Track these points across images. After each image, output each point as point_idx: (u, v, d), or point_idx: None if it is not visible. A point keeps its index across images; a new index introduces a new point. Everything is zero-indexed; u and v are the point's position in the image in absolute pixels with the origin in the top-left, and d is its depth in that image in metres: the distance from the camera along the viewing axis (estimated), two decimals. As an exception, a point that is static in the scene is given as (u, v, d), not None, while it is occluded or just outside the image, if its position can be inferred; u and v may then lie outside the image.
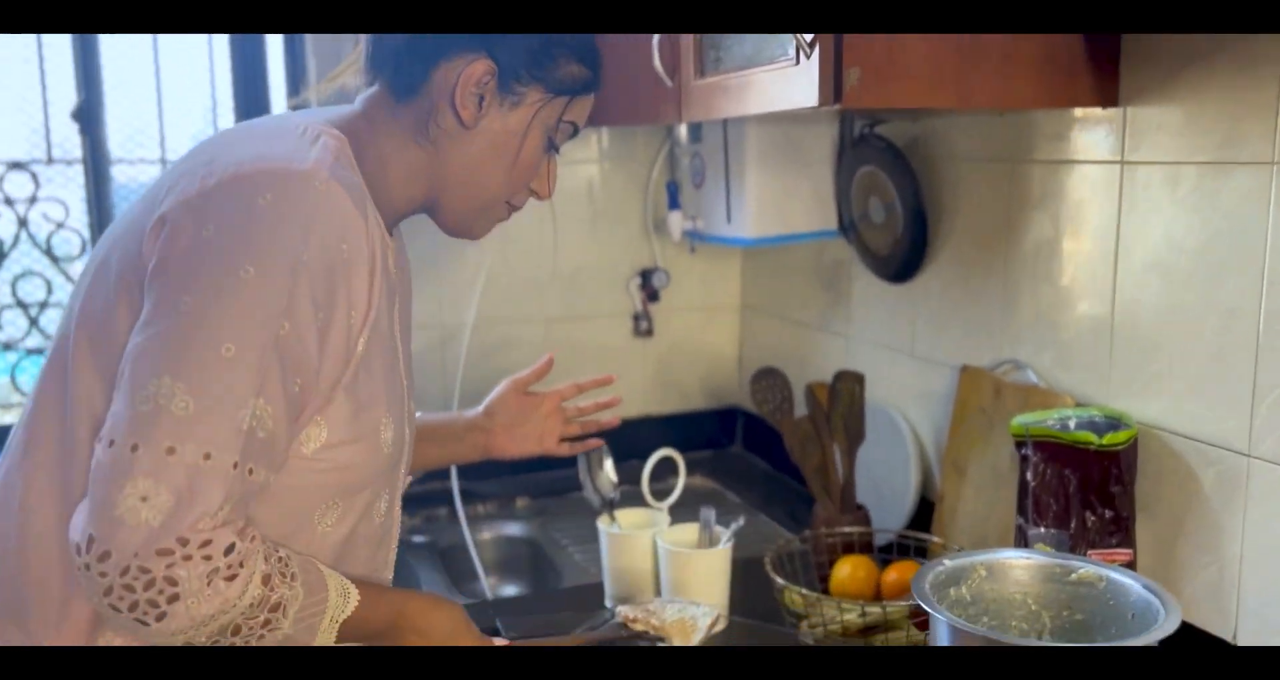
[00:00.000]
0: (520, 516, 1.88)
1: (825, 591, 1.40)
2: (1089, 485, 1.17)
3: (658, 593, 1.39)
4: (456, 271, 1.93)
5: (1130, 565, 1.18)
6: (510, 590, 1.78)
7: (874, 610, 1.21)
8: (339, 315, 0.86)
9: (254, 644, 0.84)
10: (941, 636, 0.92)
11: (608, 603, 1.43)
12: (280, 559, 0.85)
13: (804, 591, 1.25)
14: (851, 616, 1.22)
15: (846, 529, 1.44)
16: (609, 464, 1.46)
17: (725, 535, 1.37)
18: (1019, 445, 1.23)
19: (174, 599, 0.79)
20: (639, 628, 1.16)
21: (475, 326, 1.91)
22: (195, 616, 0.80)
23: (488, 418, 1.31)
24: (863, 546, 1.45)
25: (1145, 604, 0.93)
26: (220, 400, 0.80)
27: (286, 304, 0.82)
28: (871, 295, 1.71)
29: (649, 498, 1.44)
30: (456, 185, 0.98)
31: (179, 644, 0.82)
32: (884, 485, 1.62)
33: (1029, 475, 1.21)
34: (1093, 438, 1.16)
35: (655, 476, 1.49)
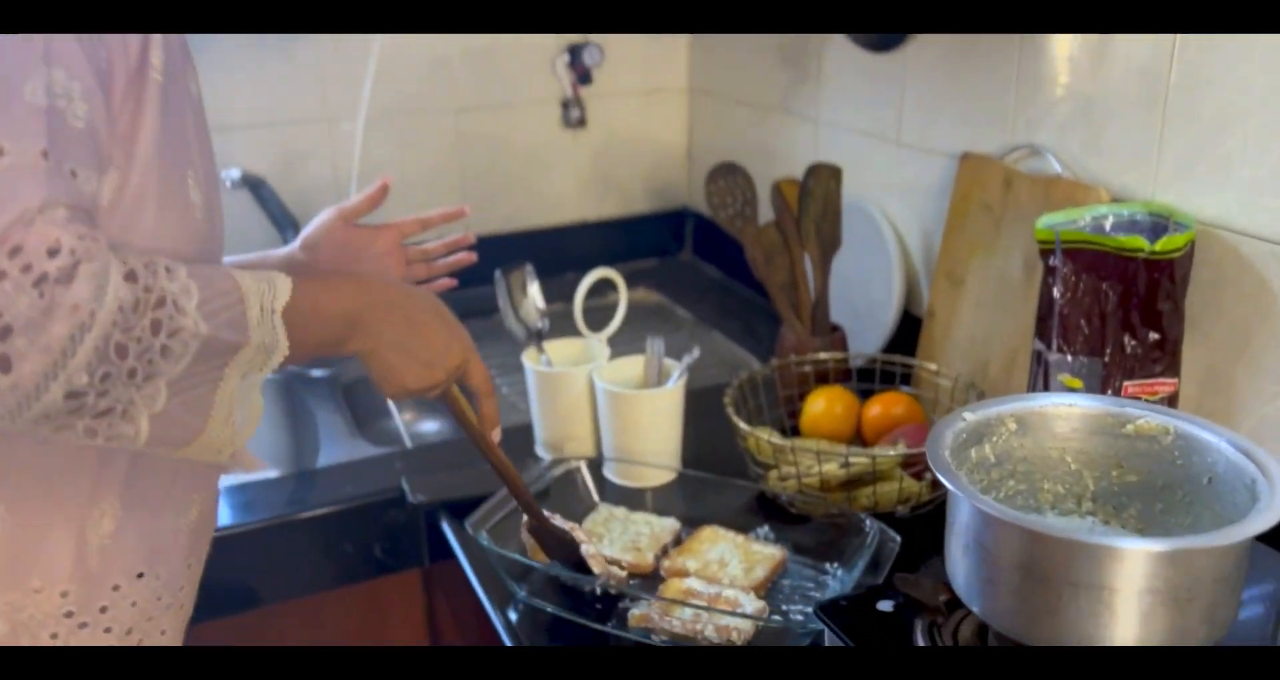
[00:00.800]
0: (439, 343, 1.62)
1: (796, 429, 1.19)
2: (1131, 302, 0.94)
3: (597, 438, 1.17)
4: (340, 51, 1.58)
5: (1173, 398, 0.97)
6: (428, 429, 1.55)
7: (860, 461, 0.99)
8: None
9: (159, 363, 0.61)
10: (961, 516, 0.70)
11: (539, 450, 1.20)
12: (142, 259, 0.62)
13: (774, 440, 1.02)
14: (832, 467, 1.00)
15: (820, 355, 1.20)
16: (535, 289, 1.20)
17: (676, 370, 1.12)
18: (1045, 253, 0.98)
19: (6, 334, 0.55)
20: (560, 523, 0.94)
21: (369, 120, 1.58)
22: (48, 346, 0.57)
23: (307, 252, 1.02)
24: (839, 374, 1.22)
25: (1231, 468, 0.70)
26: None
27: None
28: (847, 69, 1.40)
29: (583, 327, 1.18)
30: None
31: (59, 400, 0.58)
32: (861, 300, 1.38)
33: (1056, 291, 0.97)
34: (1144, 244, 0.91)
35: (593, 297, 1.23)
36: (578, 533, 0.91)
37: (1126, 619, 0.63)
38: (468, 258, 1.10)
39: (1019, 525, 0.64)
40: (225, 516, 1.10)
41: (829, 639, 0.79)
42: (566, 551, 0.93)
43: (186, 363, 0.62)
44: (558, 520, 0.94)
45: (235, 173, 1.47)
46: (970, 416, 0.76)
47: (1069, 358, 0.97)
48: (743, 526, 1.01)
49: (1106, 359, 0.95)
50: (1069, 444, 0.79)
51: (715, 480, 1.05)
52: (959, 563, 0.70)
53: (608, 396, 1.10)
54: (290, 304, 0.68)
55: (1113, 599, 0.62)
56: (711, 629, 0.84)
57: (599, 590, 0.89)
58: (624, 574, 0.93)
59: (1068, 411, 0.78)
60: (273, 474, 1.47)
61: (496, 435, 0.87)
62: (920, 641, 0.74)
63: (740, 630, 0.85)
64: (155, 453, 0.67)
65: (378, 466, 1.21)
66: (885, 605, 0.78)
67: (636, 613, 0.87)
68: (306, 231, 1.05)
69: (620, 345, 1.36)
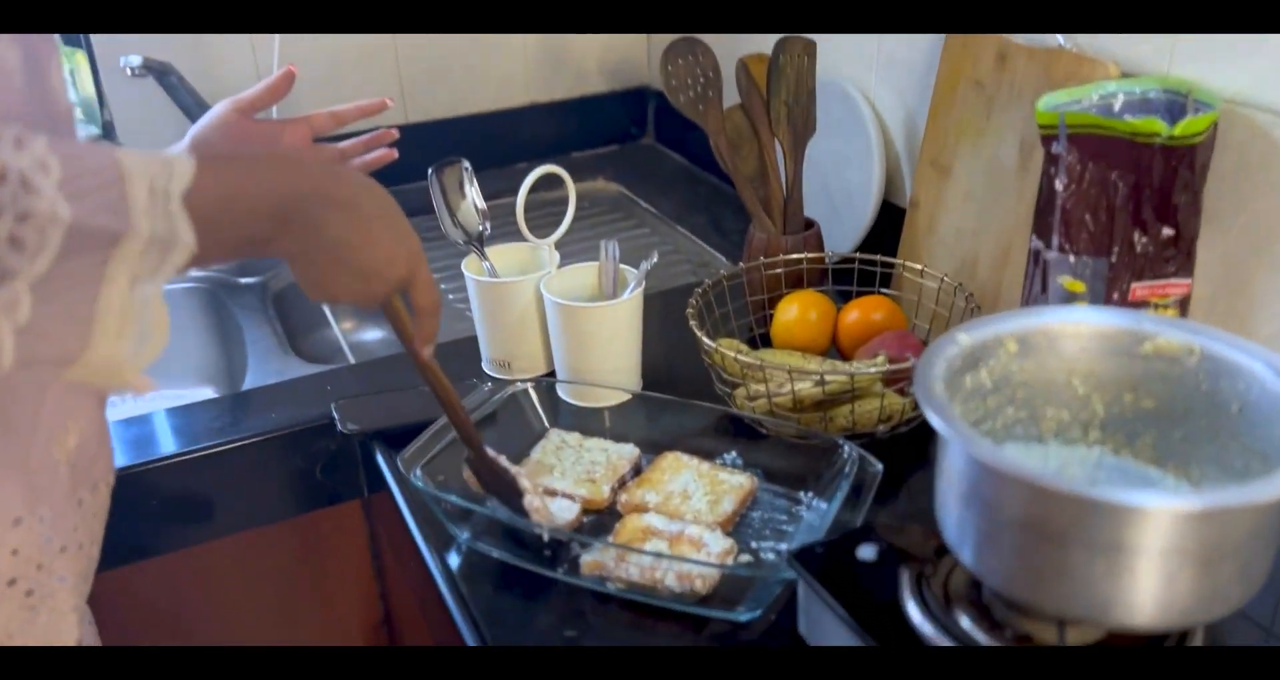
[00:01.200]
0: (380, 244, 1.49)
1: (766, 338, 1.08)
2: (1144, 194, 0.82)
3: (549, 353, 1.06)
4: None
5: (1185, 300, 0.87)
6: (372, 338, 1.44)
7: (838, 378, 0.89)
8: None
9: (9, 258, 0.49)
10: (955, 463, 0.60)
11: (485, 367, 1.09)
12: None
13: (741, 357, 0.92)
14: (806, 386, 0.90)
15: (793, 256, 1.09)
16: (474, 190, 1.06)
17: (634, 279, 1.01)
18: (1047, 139, 0.86)
19: None
20: (506, 464, 0.84)
21: (288, -5, 1.41)
22: None
23: (197, 152, 0.89)
24: (813, 276, 1.11)
25: (1266, 396, 0.61)
26: None
27: None
28: (821, -73, 1.24)
29: (527, 233, 1.06)
30: None
31: None
32: (837, 191, 1.26)
33: (1059, 182, 0.85)
34: (1161, 128, 0.79)
35: (543, 189, 1.10)
36: (522, 480, 0.81)
37: (1148, 581, 0.54)
38: (388, 155, 0.97)
39: (1027, 480, 0.54)
40: (149, 448, 1.00)
41: (803, 590, 0.70)
42: (509, 490, 0.83)
43: (49, 258, 0.50)
44: (503, 462, 0.84)
45: (136, 59, 1.31)
46: (965, 339, 0.66)
47: (1071, 257, 0.86)
48: (708, 451, 0.92)
49: (1113, 259, 0.85)
50: (1076, 366, 0.69)
51: (676, 405, 0.95)
52: (951, 513, 0.61)
53: (557, 310, 0.99)
54: (196, 190, 0.54)
55: (1133, 560, 0.53)
56: (673, 577, 0.76)
57: (546, 537, 0.80)
58: (576, 514, 0.84)
59: (1076, 329, 0.68)
60: (210, 393, 1.37)
61: (428, 352, 0.76)
62: (906, 593, 0.66)
63: (705, 577, 0.76)
64: (32, 376, 0.56)
65: (310, 387, 1.10)
66: (866, 552, 0.69)
67: (589, 559, 0.78)
68: (196, 127, 0.91)
69: (575, 244, 1.24)
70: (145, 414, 1.06)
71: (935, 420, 0.57)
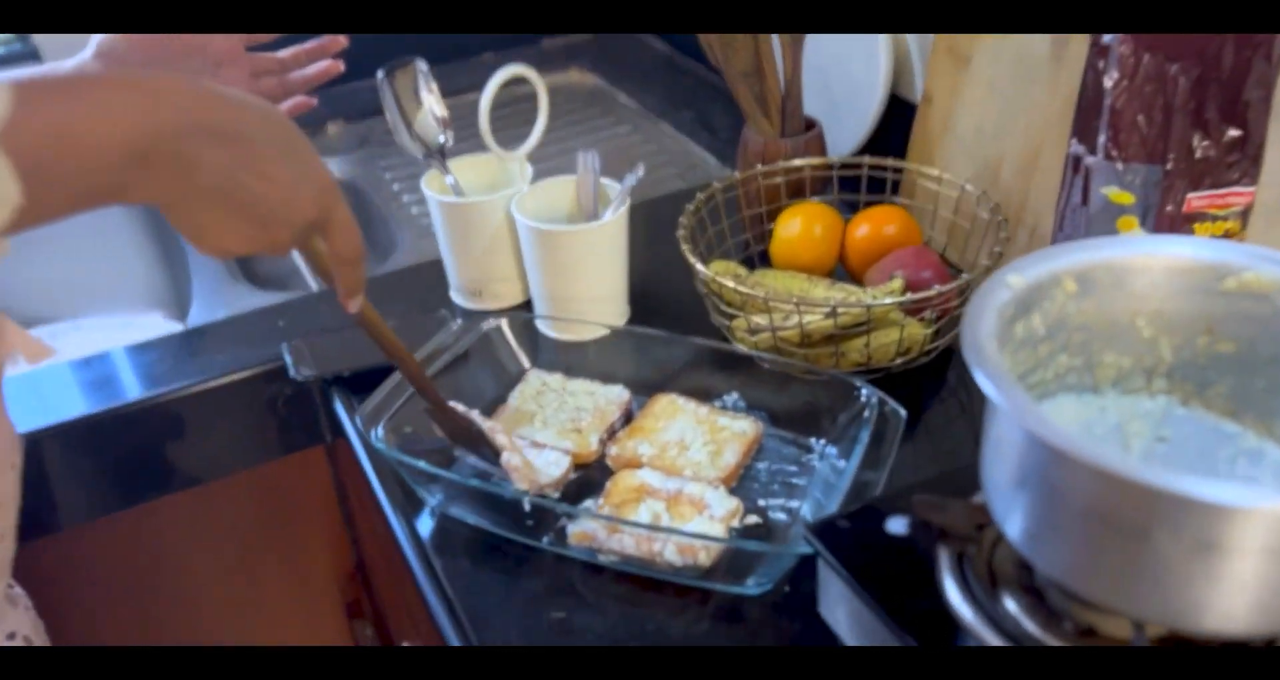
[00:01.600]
0: (334, 149, 1.36)
1: (765, 256, 0.97)
2: (1209, 90, 0.71)
3: (523, 279, 0.95)
4: None
5: (1247, 210, 0.76)
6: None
7: (852, 311, 0.78)
8: None
9: None
10: (1011, 437, 0.50)
11: (454, 296, 0.98)
12: None
13: (741, 288, 0.81)
14: (815, 317, 0.79)
15: (794, 163, 0.97)
16: (431, 95, 0.93)
17: (616, 196, 0.89)
18: (1096, 28, 0.73)
19: None
20: (479, 420, 0.73)
21: None
22: None
23: (104, 62, 0.76)
24: (816, 184, 0.99)
25: (1380, 343, 0.51)
26: None
27: None
28: None
29: (493, 145, 0.93)
30: None
31: None
32: (839, 85, 1.13)
33: (1108, 78, 0.73)
34: (1238, 10, 0.67)
35: (512, 84, 0.97)
36: (498, 436, 0.71)
37: (1248, 584, 0.45)
38: (333, 67, 0.85)
39: (1104, 469, 0.44)
40: (85, 401, 0.90)
41: (821, 569, 0.62)
42: (480, 443, 0.74)
43: None
44: (476, 417, 0.74)
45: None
46: (1018, 281, 0.55)
47: (1119, 164, 0.75)
48: (706, 392, 0.82)
49: (1168, 166, 0.74)
50: (1144, 305, 0.58)
51: (671, 336, 0.84)
52: (1000, 488, 0.52)
53: (531, 234, 0.87)
54: (16, 127, 0.42)
55: (1226, 560, 0.44)
56: (672, 548, 0.67)
57: (528, 505, 0.70)
58: (565, 470, 0.75)
59: (1146, 262, 0.57)
60: (158, 318, 1.26)
61: (354, 306, 0.64)
62: (946, 575, 0.57)
63: (709, 547, 0.67)
64: None
65: (261, 323, 0.99)
66: (897, 525, 0.60)
67: (577, 529, 0.69)
68: (107, 37, 0.78)
69: (550, 145, 1.12)
70: (86, 359, 0.95)
71: (990, 390, 0.47)
